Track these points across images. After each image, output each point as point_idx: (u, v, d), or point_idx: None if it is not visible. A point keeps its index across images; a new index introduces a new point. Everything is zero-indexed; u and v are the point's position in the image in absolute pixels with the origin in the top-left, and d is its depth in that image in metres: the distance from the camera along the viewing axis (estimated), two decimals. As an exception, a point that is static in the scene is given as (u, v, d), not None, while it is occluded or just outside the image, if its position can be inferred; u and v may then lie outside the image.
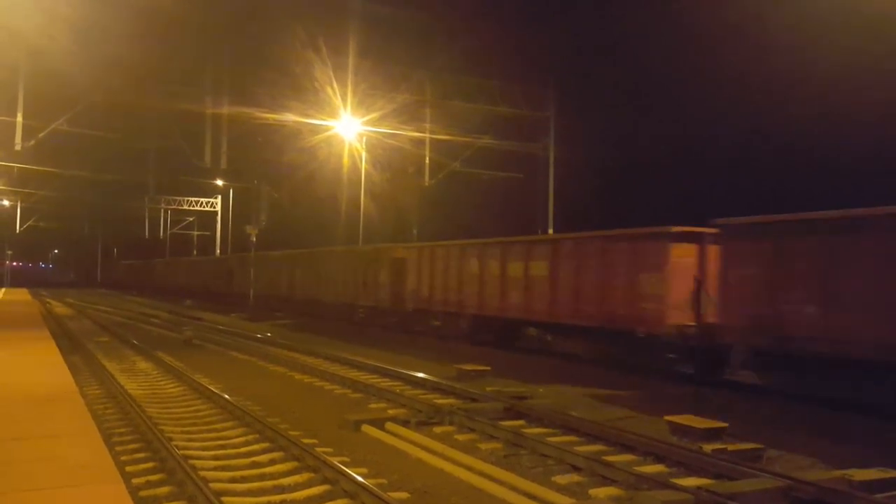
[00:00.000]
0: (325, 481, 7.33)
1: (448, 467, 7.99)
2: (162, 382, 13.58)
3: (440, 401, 11.69)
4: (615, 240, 16.95)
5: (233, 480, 7.41)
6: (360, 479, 6.99)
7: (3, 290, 53.94)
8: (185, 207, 58.66)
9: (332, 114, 28.13)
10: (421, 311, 24.21)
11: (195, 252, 63.52)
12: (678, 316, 14.92)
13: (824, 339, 11.95)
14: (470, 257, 21.85)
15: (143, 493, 6.84)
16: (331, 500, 6.86)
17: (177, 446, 8.24)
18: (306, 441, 8.66)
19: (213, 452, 8.46)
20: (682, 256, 15.29)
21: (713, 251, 14.83)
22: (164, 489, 7.01)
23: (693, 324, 14.64)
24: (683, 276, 15.06)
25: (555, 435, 9.56)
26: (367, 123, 29.03)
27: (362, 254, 28.80)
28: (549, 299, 18.39)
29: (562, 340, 18.68)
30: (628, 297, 16.07)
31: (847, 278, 11.89)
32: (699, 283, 14.88)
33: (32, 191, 54.18)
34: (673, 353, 15.04)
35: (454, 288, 22.33)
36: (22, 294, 46.30)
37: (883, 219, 11.69)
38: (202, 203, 57.99)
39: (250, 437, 9.15)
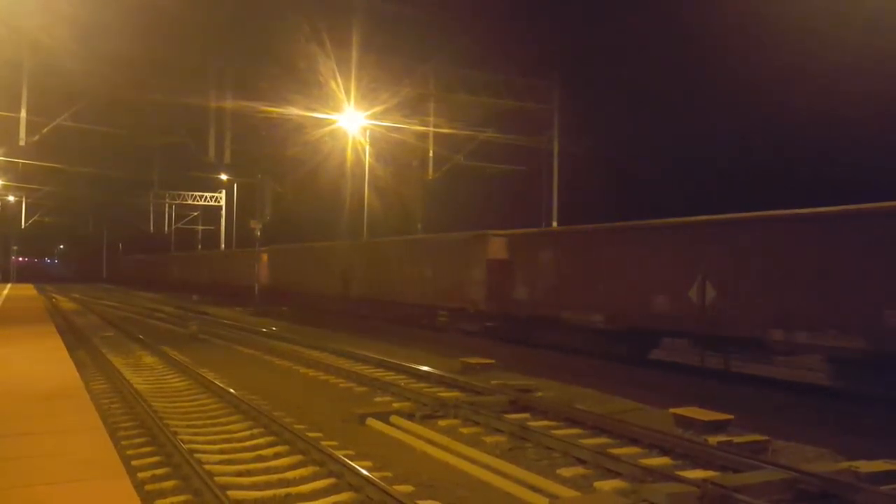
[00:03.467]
0: (330, 475, 7.34)
1: (453, 460, 8.00)
2: (167, 377, 13.62)
3: (445, 394, 11.70)
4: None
5: (238, 474, 7.43)
6: (365, 472, 7.00)
7: (9, 285, 54.07)
8: (190, 202, 58.77)
9: (336, 108, 28.06)
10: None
11: (199, 246, 63.63)
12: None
13: None
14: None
15: (148, 488, 6.87)
16: (336, 493, 6.88)
17: (182, 440, 8.27)
18: (311, 434, 8.68)
19: (218, 446, 8.49)
20: None
21: None
22: (170, 483, 7.04)
23: None
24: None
25: (560, 428, 9.57)
26: (371, 117, 28.95)
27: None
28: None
29: None
30: None
31: None
32: None
33: (37, 186, 54.21)
34: None
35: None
36: (28, 289, 46.41)
37: None
38: (206, 198, 58.07)
39: (255, 431, 9.17)
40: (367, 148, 31.71)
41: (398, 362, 14.81)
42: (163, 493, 6.77)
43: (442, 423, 9.86)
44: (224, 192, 56.80)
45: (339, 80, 26.89)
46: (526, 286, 19.32)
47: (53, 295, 44.51)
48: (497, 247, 20.79)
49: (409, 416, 9.95)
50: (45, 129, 28.46)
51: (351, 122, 28.91)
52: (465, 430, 9.49)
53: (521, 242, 20.14)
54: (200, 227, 63.92)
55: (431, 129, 30.94)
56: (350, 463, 7.29)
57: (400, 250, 27.28)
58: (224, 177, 50.60)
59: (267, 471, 7.59)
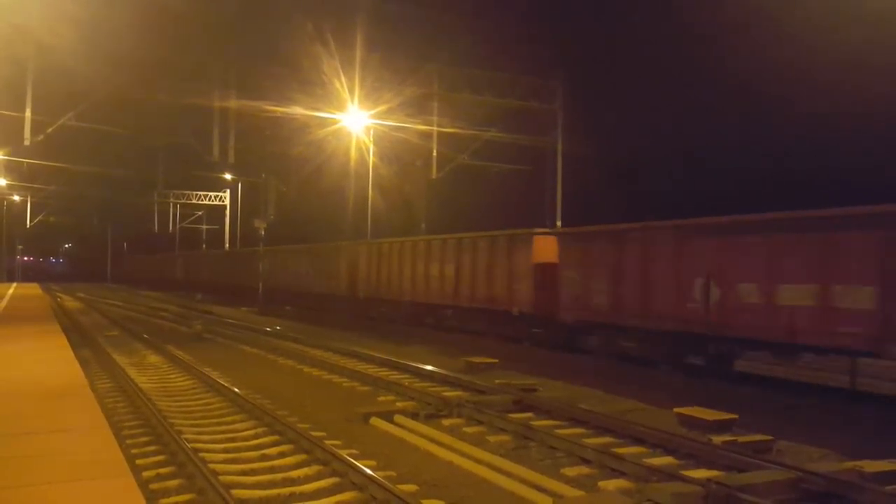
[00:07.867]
0: (334, 474, 7.34)
1: (457, 460, 8.00)
2: (172, 376, 13.64)
3: (449, 393, 11.69)
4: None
5: (242, 473, 7.44)
6: (368, 471, 7.00)
7: (14, 284, 54.21)
8: (194, 202, 58.90)
9: (340, 107, 28.08)
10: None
11: (204, 246, 63.75)
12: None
13: None
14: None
15: (153, 487, 6.88)
16: (340, 492, 6.88)
17: (186, 439, 8.28)
18: (315, 434, 8.68)
19: (222, 445, 8.50)
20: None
21: None
22: (174, 482, 7.05)
23: None
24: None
25: (563, 427, 9.55)
26: (375, 116, 28.96)
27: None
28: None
29: None
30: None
31: None
32: None
33: (42, 186, 54.37)
34: None
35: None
36: (33, 289, 46.52)
37: None
38: (211, 197, 58.17)
39: (259, 430, 9.18)
40: (371, 147, 31.72)
41: (401, 361, 14.81)
42: (167, 492, 6.78)
43: (446, 422, 9.86)
44: (228, 191, 56.91)
45: (342, 79, 26.94)
46: (577, 289, 17.22)
47: (58, 294, 44.60)
48: (543, 246, 18.95)
49: (413, 416, 9.94)
50: (50, 129, 28.56)
51: (355, 121, 28.92)
52: (469, 430, 9.48)
53: (573, 241, 17.88)
54: (205, 227, 64.06)
55: (435, 128, 30.94)
56: (354, 462, 7.30)
57: (423, 250, 24.92)
58: (228, 176, 50.68)
59: (271, 470, 7.60)
